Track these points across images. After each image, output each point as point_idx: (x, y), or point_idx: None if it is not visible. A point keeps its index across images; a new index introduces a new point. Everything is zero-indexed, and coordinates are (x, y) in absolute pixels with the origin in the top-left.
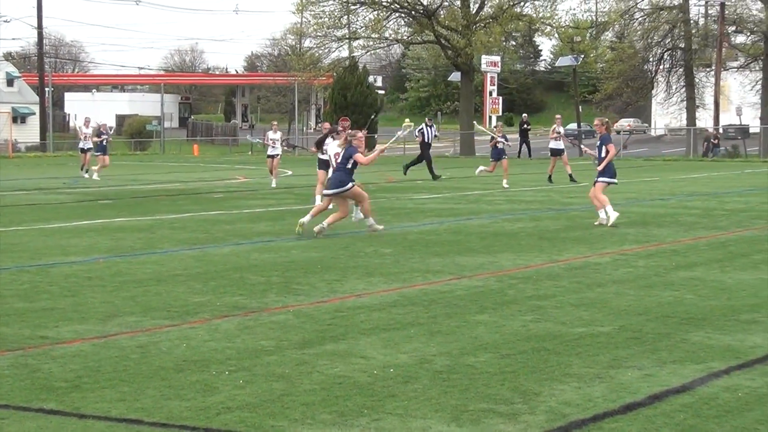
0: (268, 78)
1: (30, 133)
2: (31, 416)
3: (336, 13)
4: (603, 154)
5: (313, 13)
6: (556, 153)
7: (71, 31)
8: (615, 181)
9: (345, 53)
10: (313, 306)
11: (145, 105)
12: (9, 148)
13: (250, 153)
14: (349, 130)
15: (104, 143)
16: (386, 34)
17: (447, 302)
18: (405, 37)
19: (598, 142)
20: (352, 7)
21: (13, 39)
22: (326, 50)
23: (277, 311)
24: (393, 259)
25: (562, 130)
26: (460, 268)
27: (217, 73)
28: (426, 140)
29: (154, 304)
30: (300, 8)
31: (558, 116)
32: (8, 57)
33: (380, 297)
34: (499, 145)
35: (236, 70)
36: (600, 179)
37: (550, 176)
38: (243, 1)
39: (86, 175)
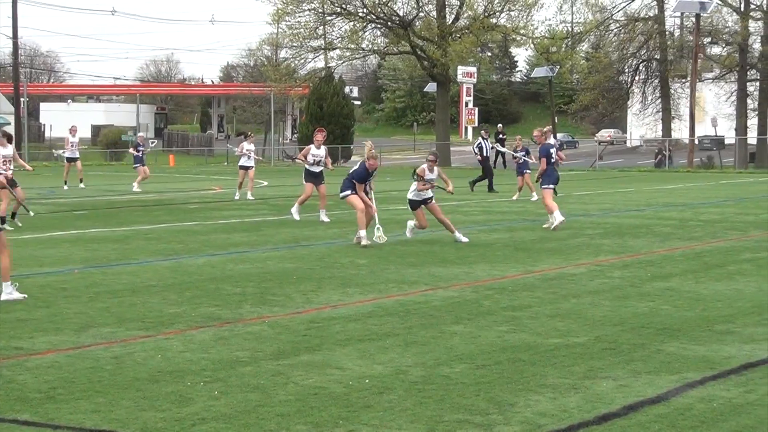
0: (244, 88)
1: None
2: (5, 427)
3: (312, 24)
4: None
5: (288, 23)
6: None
7: (47, 41)
8: (552, 186)
9: (321, 64)
10: (288, 317)
11: (120, 115)
12: None
13: (225, 164)
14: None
15: (142, 155)
16: (362, 45)
17: (423, 313)
18: (381, 48)
19: (538, 153)
20: (328, 18)
21: None
22: (302, 61)
23: (253, 322)
24: (368, 270)
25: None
26: (436, 279)
27: (193, 83)
28: (485, 154)
29: (129, 315)
30: (276, 19)
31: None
32: None
33: (356, 308)
34: (520, 161)
35: (212, 81)
36: (543, 187)
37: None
38: (219, 11)
39: (66, 187)
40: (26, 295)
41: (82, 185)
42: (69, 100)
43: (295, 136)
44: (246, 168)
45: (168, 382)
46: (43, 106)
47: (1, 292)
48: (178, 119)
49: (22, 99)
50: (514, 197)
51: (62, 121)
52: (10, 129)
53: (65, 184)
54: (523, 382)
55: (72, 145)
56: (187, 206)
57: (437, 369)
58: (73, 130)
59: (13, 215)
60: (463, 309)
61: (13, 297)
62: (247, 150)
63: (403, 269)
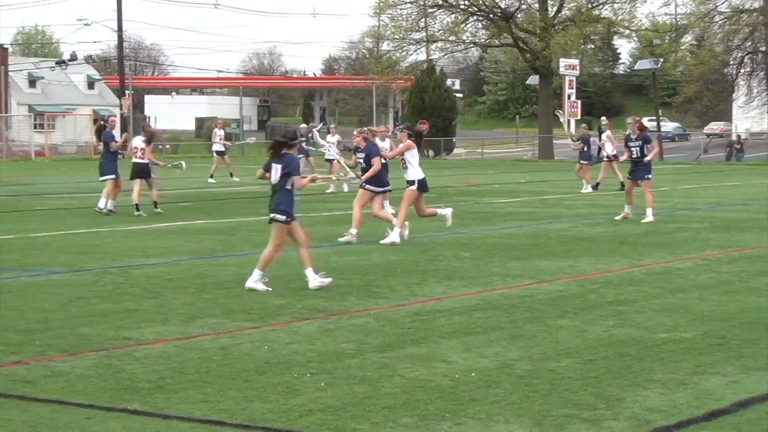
0: (346, 81)
1: None
2: (115, 416)
3: (413, 16)
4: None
5: (390, 16)
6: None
7: (151, 35)
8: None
9: (422, 56)
10: (393, 309)
11: (224, 108)
12: (91, 150)
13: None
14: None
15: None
16: (464, 37)
17: (528, 306)
18: (483, 40)
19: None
20: (430, 10)
21: (94, 42)
22: (404, 53)
23: (358, 314)
24: (473, 263)
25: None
26: (541, 273)
27: (296, 76)
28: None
29: (235, 306)
30: (378, 11)
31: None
32: (89, 60)
33: (460, 301)
34: (586, 149)
35: (314, 73)
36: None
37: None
38: (321, 4)
39: (212, 180)
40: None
41: (212, 180)
42: (173, 93)
43: (398, 128)
44: (330, 161)
45: (275, 373)
46: (147, 98)
47: (250, 280)
48: (280, 112)
49: (127, 91)
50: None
51: (166, 114)
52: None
53: (211, 177)
54: (631, 377)
55: (219, 138)
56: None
57: (543, 363)
58: (219, 124)
59: (155, 204)
60: (569, 303)
61: (318, 285)
62: (329, 143)
63: (507, 262)
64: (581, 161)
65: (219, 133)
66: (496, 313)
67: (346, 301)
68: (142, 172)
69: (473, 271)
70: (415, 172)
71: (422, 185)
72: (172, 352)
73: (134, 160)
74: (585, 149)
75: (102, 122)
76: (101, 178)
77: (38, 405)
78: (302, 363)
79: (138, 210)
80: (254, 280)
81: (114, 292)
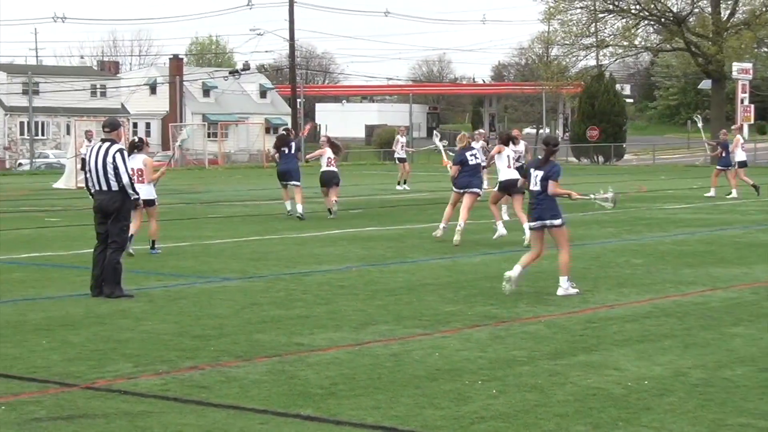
0: (516, 87)
1: None
2: (289, 421)
3: (584, 21)
4: None
5: (560, 21)
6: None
7: (322, 43)
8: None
9: (592, 62)
10: (564, 316)
11: (393, 115)
12: (264, 158)
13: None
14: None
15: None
16: (635, 42)
17: (701, 314)
18: (654, 45)
19: None
20: (600, 15)
21: (266, 52)
22: (574, 58)
23: (529, 321)
24: (644, 270)
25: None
26: (714, 280)
27: (465, 82)
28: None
29: (406, 312)
30: (548, 17)
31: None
32: (261, 69)
33: (633, 308)
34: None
35: (483, 80)
36: None
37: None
38: (491, 11)
39: (401, 188)
40: (579, 290)
41: (405, 186)
42: (343, 101)
43: (567, 134)
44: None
45: (446, 380)
46: (318, 106)
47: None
48: (449, 119)
49: (298, 100)
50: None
51: (337, 122)
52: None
53: (398, 184)
54: None
55: (402, 146)
56: (460, 204)
57: (718, 371)
58: (401, 131)
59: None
60: (743, 310)
61: (569, 292)
62: (402, 143)
63: (679, 269)
64: (720, 167)
65: (401, 140)
66: (668, 320)
67: (517, 308)
68: (332, 179)
69: (645, 278)
70: (501, 173)
71: (504, 186)
72: (344, 359)
73: (324, 168)
74: (723, 155)
75: (287, 131)
76: (293, 183)
77: (214, 410)
78: (473, 370)
79: (331, 213)
80: (564, 288)
81: (286, 298)
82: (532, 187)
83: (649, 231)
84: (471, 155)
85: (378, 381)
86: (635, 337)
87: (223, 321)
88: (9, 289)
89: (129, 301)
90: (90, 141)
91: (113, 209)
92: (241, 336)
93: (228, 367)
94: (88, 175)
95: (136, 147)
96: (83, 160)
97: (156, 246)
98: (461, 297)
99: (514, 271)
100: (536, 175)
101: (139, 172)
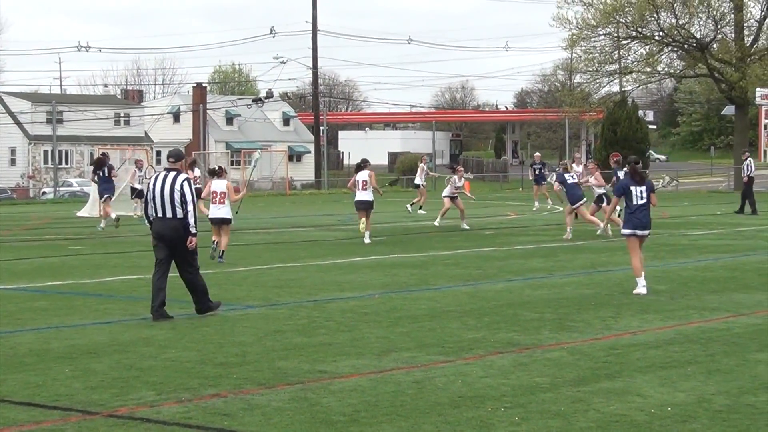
0: (539, 114)
1: (305, 170)
2: None
3: (607, 48)
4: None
5: (583, 48)
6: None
7: (345, 71)
8: None
9: (615, 88)
10: (587, 343)
11: (416, 142)
12: (286, 186)
13: (520, 189)
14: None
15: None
16: (658, 68)
17: (725, 340)
18: (677, 71)
19: None
20: (623, 42)
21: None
22: (596, 85)
23: (552, 348)
24: (668, 296)
25: None
26: (738, 306)
27: (488, 109)
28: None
29: (429, 339)
30: (571, 44)
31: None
32: (284, 97)
33: (656, 334)
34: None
35: (506, 107)
36: None
37: None
38: (513, 38)
39: (421, 211)
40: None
41: (421, 211)
42: (366, 128)
43: (590, 160)
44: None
45: (469, 407)
46: (341, 134)
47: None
48: (472, 145)
49: (321, 127)
50: None
51: (360, 149)
52: (310, 157)
53: (420, 208)
54: None
55: (426, 173)
56: (484, 232)
57: (742, 398)
58: (423, 159)
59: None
60: (767, 336)
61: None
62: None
63: (703, 295)
64: None
65: (425, 167)
66: (692, 346)
67: (540, 334)
68: (367, 205)
69: (669, 304)
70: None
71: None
72: (366, 386)
73: (360, 197)
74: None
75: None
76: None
77: None
78: (496, 397)
79: (367, 239)
80: (642, 285)
81: (309, 325)
82: (636, 201)
83: (673, 257)
84: (569, 176)
85: (400, 408)
86: (658, 364)
87: (246, 348)
88: (33, 317)
89: (152, 329)
90: (141, 170)
91: (172, 236)
92: (264, 363)
93: (251, 394)
94: (151, 203)
95: (216, 174)
96: (132, 189)
97: (223, 256)
98: (484, 324)
99: (641, 288)
100: (640, 190)
101: (222, 195)
